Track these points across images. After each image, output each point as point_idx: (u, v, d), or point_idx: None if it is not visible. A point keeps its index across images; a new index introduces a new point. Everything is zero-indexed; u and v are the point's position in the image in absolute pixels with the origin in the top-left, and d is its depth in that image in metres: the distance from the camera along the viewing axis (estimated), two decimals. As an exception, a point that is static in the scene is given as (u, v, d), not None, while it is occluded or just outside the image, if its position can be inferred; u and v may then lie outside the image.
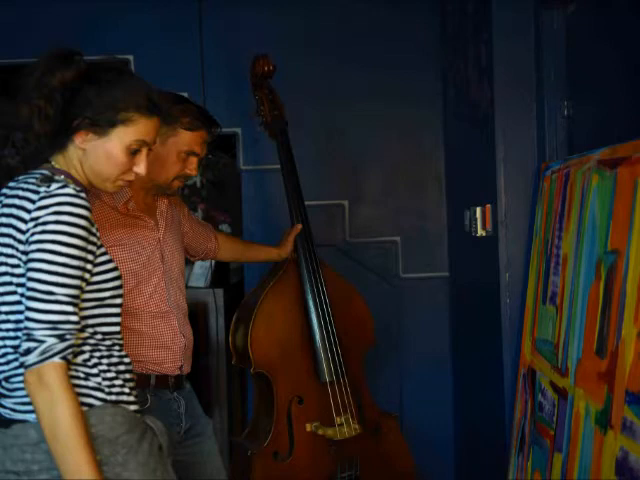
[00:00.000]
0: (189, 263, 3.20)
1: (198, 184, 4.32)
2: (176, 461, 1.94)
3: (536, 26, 2.66)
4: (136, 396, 1.75)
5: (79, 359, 1.66)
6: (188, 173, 2.33)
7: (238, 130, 3.47)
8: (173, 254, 2.33)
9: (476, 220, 2.87)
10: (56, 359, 1.58)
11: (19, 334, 1.63)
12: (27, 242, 1.63)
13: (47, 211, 1.62)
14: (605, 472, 1.84)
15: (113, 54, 2.19)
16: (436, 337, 3.53)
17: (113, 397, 1.69)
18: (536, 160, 2.69)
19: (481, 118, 2.91)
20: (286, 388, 2.74)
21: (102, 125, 1.73)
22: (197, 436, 2.34)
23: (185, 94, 2.70)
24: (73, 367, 1.65)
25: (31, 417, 1.64)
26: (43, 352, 1.58)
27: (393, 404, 3.41)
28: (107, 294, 1.71)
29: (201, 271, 3.78)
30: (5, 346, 1.68)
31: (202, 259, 2.79)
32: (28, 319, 1.60)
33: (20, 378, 1.64)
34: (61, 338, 1.59)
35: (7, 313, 1.67)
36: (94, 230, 1.67)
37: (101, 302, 1.71)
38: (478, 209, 2.87)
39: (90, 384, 1.67)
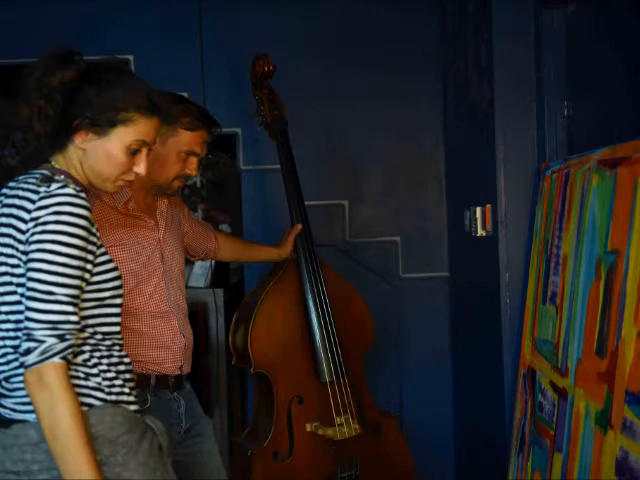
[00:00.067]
0: (189, 263, 3.19)
1: (198, 184, 4.31)
2: (176, 461, 1.94)
3: (536, 26, 2.66)
4: (136, 396, 1.75)
5: (79, 359, 1.66)
6: (188, 173, 2.33)
7: (238, 130, 3.47)
8: (173, 254, 2.33)
9: (476, 220, 2.87)
10: (56, 359, 1.58)
11: (19, 334, 1.63)
12: (27, 242, 1.63)
13: (47, 211, 1.62)
14: (605, 472, 1.84)
15: (113, 54, 2.19)
16: (436, 337, 3.53)
17: (113, 397, 1.69)
18: (536, 160, 2.69)
19: (481, 118, 2.91)
20: (286, 388, 2.74)
21: (102, 125, 1.73)
22: (197, 436, 2.34)
23: (185, 94, 2.70)
24: (73, 367, 1.65)
25: (31, 417, 1.64)
26: (43, 352, 1.58)
27: (393, 404, 3.41)
28: (107, 294, 1.71)
29: (201, 271, 3.77)
30: (5, 346, 1.68)
31: (202, 259, 2.79)
32: (28, 319, 1.60)
33: (20, 378, 1.64)
34: (61, 338, 1.59)
35: (7, 313, 1.67)
36: (94, 230, 1.67)
37: (101, 302, 1.71)
38: (478, 209, 2.87)
39: (90, 384, 1.67)
